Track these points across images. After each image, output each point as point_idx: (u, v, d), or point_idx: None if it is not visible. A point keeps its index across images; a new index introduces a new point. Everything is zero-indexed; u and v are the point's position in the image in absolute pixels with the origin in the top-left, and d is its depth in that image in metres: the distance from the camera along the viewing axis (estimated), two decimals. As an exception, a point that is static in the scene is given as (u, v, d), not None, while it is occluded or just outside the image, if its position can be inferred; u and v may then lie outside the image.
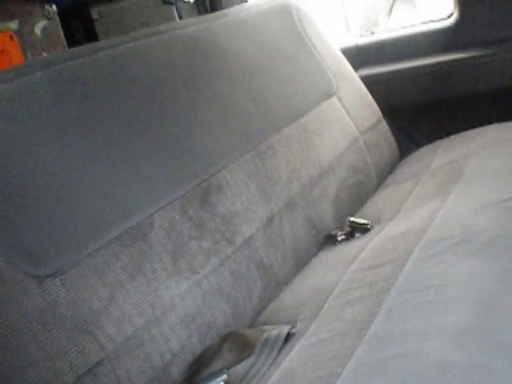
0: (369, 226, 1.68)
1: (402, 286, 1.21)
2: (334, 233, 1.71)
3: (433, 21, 2.41)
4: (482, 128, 2.11)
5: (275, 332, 1.27)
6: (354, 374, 0.99)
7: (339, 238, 1.69)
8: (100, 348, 1.10)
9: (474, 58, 2.22)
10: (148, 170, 1.33)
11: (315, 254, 1.68)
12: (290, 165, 1.69)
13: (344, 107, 2.04)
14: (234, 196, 1.46)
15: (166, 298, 1.22)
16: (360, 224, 1.70)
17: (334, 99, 2.03)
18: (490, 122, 2.09)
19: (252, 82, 1.74)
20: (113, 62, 1.44)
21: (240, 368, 1.22)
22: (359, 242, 1.61)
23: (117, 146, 1.30)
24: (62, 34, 1.89)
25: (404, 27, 2.51)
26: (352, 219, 1.73)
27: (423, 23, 2.45)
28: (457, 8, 2.30)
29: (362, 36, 2.62)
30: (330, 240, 1.71)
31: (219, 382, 1.17)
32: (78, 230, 1.16)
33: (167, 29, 1.66)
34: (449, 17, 2.35)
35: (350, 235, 1.69)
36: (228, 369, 1.21)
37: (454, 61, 2.26)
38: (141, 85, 1.44)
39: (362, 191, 1.95)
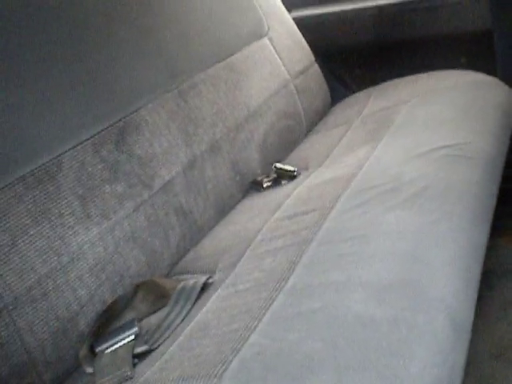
0: (295, 174, 1.62)
1: (324, 236, 1.16)
2: (259, 179, 1.65)
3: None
4: (414, 76, 2.08)
5: (191, 282, 1.21)
6: (270, 328, 0.94)
7: (265, 185, 1.63)
8: None
9: (409, 3, 2.16)
10: (59, 106, 1.22)
11: (239, 201, 1.62)
12: (216, 106, 1.61)
13: (275, 49, 1.97)
14: (152, 137, 1.37)
15: (73, 245, 1.14)
16: (286, 171, 1.64)
17: (265, 40, 1.95)
18: (423, 70, 2.06)
19: (178, 16, 1.63)
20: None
21: (153, 319, 1.15)
22: (285, 188, 1.56)
23: (25, 80, 1.19)
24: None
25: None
26: (279, 165, 1.67)
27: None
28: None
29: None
30: (256, 186, 1.65)
31: (129, 334, 1.10)
32: (-24, 169, 1.06)
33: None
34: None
35: (276, 182, 1.64)
36: (140, 320, 1.16)
37: (389, 6, 2.19)
38: (56, 15, 1.32)
39: (290, 136, 1.89)
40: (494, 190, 1.36)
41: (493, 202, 1.31)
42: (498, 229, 1.36)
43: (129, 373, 1.01)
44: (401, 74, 2.12)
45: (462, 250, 1.05)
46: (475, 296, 1.01)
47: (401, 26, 2.20)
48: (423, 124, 1.61)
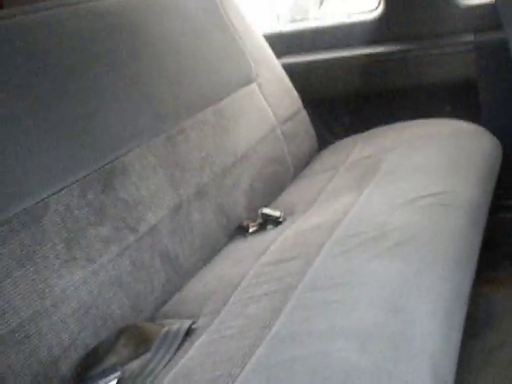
0: (281, 219, 1.63)
1: (309, 283, 1.16)
2: (245, 224, 1.66)
3: (359, 13, 2.36)
4: (400, 123, 2.09)
5: (175, 327, 1.20)
6: (252, 377, 0.94)
7: (251, 230, 1.63)
8: None
9: (396, 52, 2.19)
10: (45, 149, 1.23)
11: (225, 245, 1.61)
12: (203, 151, 1.61)
13: (263, 95, 1.98)
14: (139, 181, 1.38)
15: (57, 288, 1.14)
16: (272, 216, 1.65)
17: (253, 86, 1.96)
18: (409, 119, 2.08)
19: (166, 62, 1.65)
20: (17, 31, 1.32)
21: (136, 364, 1.14)
22: (271, 234, 1.56)
23: (10, 122, 1.19)
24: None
25: (330, 17, 2.45)
26: (265, 211, 1.68)
27: (350, 14, 2.40)
28: (382, 1, 2.26)
29: (289, 23, 2.56)
30: (241, 231, 1.65)
31: (111, 379, 1.09)
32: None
33: (79, 0, 1.55)
34: (375, 9, 2.30)
35: (261, 227, 1.64)
36: (122, 365, 1.14)
37: (376, 55, 2.22)
38: (45, 57, 1.33)
39: (277, 182, 1.90)
40: (478, 239, 1.37)
41: (476, 251, 1.32)
42: (481, 277, 1.36)
43: (109, 419, 1.00)
44: (387, 121, 2.13)
45: (445, 300, 1.05)
46: (458, 346, 1.01)
47: (388, 75, 2.23)
48: (408, 172, 1.61)
